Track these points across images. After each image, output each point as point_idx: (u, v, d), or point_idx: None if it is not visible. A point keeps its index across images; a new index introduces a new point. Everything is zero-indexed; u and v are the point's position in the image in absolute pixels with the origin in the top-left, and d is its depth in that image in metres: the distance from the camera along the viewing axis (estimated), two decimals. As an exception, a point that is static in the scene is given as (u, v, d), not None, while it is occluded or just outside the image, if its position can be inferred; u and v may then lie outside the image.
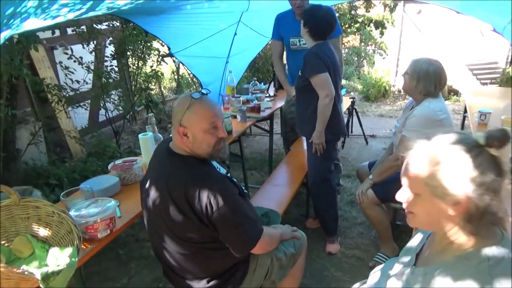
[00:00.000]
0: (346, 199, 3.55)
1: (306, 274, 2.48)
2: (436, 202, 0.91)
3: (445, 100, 6.91)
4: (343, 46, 10.75)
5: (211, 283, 1.58)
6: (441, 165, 0.90)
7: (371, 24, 10.68)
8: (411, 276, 1.01)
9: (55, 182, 3.37)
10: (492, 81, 6.96)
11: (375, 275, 1.26)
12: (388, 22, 10.29)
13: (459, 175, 0.88)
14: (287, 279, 1.80)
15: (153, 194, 1.51)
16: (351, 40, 11.11)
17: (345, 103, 4.68)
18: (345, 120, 4.91)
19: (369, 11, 11.43)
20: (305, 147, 2.81)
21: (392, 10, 9.85)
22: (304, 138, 3.12)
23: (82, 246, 1.55)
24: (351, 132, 5.25)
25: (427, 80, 2.17)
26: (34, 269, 1.28)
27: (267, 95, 4.00)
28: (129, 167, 2.12)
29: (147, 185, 1.56)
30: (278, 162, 3.56)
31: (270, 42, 4.58)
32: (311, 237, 2.93)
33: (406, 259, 1.10)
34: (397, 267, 1.12)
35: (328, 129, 2.50)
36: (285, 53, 3.34)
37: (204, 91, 1.52)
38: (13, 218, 1.56)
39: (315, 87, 2.41)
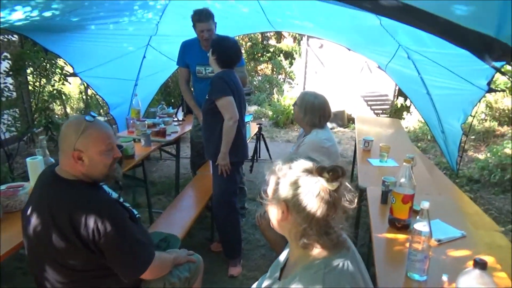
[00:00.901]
0: (250, 222, 3.66)
1: (207, 297, 2.51)
2: (274, 207, 1.11)
3: (344, 127, 7.59)
4: (256, 73, 11.27)
5: None
6: (280, 179, 1.09)
7: (281, 55, 11.39)
8: None
9: None
10: (384, 111, 7.83)
11: None
12: (296, 53, 11.08)
13: (287, 187, 1.07)
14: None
15: (34, 220, 1.44)
16: (264, 68, 11.70)
17: (253, 128, 4.90)
18: (253, 145, 5.13)
19: (280, 42, 12.20)
20: (212, 171, 2.89)
21: (299, 42, 10.66)
22: (210, 162, 3.20)
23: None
24: (259, 156, 5.46)
25: (313, 113, 2.43)
26: None
27: (175, 119, 4.03)
28: (14, 193, 1.99)
29: (28, 212, 1.49)
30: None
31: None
32: (216, 261, 2.99)
33: (273, 273, 1.23)
34: (266, 283, 1.23)
35: (232, 152, 2.61)
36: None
37: (94, 114, 1.52)
38: None
39: (221, 109, 2.53)
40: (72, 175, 1.49)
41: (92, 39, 3.68)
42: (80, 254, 1.41)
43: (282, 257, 1.25)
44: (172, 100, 6.74)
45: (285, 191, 1.07)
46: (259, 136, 5.22)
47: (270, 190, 1.12)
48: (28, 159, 2.06)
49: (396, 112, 7.68)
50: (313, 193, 1.04)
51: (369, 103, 7.86)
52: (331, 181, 1.03)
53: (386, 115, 7.65)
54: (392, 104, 7.83)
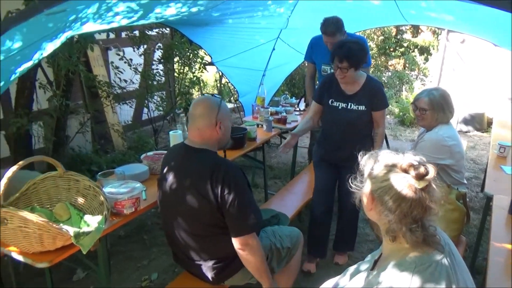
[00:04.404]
0: (361, 216, 3.64)
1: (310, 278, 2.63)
2: (364, 196, 1.15)
3: (482, 132, 6.77)
4: (386, 69, 10.77)
5: (217, 265, 1.79)
6: (370, 170, 1.14)
7: (416, 50, 10.63)
8: (366, 279, 1.18)
9: (96, 169, 3.73)
10: (536, 117, 6.75)
11: (347, 273, 1.41)
12: (433, 48, 10.21)
13: (374, 179, 1.11)
14: (283, 272, 1.98)
15: (171, 183, 1.75)
16: (395, 63, 11.09)
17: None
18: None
19: (416, 36, 11.38)
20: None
21: (437, 36, 9.78)
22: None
23: (110, 218, 1.82)
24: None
25: (438, 107, 2.29)
26: (69, 228, 1.56)
27: (297, 109, 4.20)
28: (158, 159, 2.40)
29: (164, 177, 1.80)
30: (301, 173, 3.73)
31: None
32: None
33: (368, 263, 1.27)
34: (360, 270, 1.29)
35: None
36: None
37: (215, 95, 1.84)
38: (57, 188, 1.86)
39: (380, 118, 2.55)
40: (202, 144, 1.76)
41: (229, 32, 4.07)
42: (208, 210, 1.67)
43: (380, 248, 1.29)
44: (296, 91, 6.95)
45: (372, 182, 1.11)
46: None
47: (360, 179, 1.17)
48: (170, 132, 2.46)
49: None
50: (398, 189, 1.05)
51: (518, 106, 6.86)
52: (417, 179, 1.03)
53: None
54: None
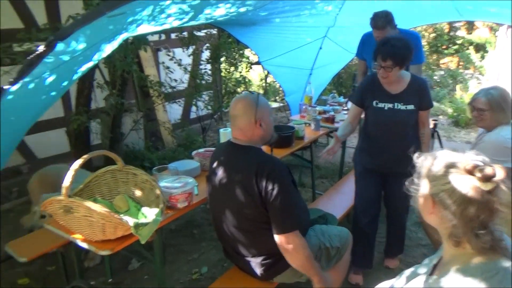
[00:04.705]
0: (414, 219, 3.52)
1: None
2: (422, 199, 1.09)
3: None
4: (438, 67, 10.32)
5: (266, 261, 1.80)
6: (429, 172, 1.07)
7: (471, 47, 10.08)
8: (425, 283, 1.12)
9: (148, 165, 3.90)
10: None
11: (402, 276, 1.36)
12: (490, 45, 9.63)
13: (434, 182, 1.04)
14: (331, 272, 1.96)
15: (220, 179, 1.79)
16: (448, 62, 10.59)
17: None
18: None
19: (470, 33, 10.80)
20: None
21: (495, 33, 9.22)
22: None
23: (165, 211, 1.89)
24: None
25: (497, 106, 2.18)
26: (129, 219, 1.64)
27: (345, 108, 4.14)
28: (209, 156, 2.45)
29: (214, 173, 1.84)
30: (349, 174, 3.67)
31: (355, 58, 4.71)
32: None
33: (426, 267, 1.22)
34: (418, 274, 1.23)
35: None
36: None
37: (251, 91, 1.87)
38: (116, 181, 1.97)
39: (426, 118, 2.45)
40: (246, 141, 1.79)
41: (276, 31, 4.09)
42: (253, 206, 1.69)
43: (439, 252, 1.23)
44: (343, 91, 6.84)
45: (432, 185, 1.04)
46: (433, 133, 4.87)
47: (418, 182, 1.10)
48: (221, 130, 2.52)
49: None
50: (462, 191, 0.98)
51: None
52: (484, 181, 0.96)
53: None
54: None
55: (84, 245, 1.71)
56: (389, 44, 2.24)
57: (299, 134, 3.03)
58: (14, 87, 2.10)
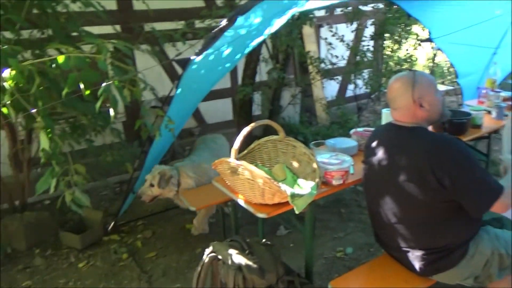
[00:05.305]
0: None
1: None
2: None
3: None
4: None
5: (427, 256, 1.63)
6: None
7: None
8: None
9: (301, 139, 4.00)
10: None
11: None
12: None
13: None
14: (503, 283, 1.68)
15: (381, 160, 1.67)
16: None
17: None
18: None
19: None
20: None
21: None
22: None
23: (320, 186, 1.90)
24: None
25: None
26: (287, 188, 1.71)
27: (539, 95, 3.43)
28: (367, 136, 2.35)
29: (374, 153, 1.73)
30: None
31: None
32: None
33: None
34: None
35: None
36: None
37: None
38: (276, 150, 2.06)
39: None
40: (411, 123, 1.64)
41: (455, 2, 3.58)
42: (430, 196, 1.53)
43: None
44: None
45: None
46: None
47: None
48: (383, 110, 2.38)
49: None
50: None
51: None
52: None
53: None
54: None
55: (244, 205, 1.86)
56: None
57: (476, 121, 2.64)
58: (198, 58, 2.37)
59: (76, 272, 2.67)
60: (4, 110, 1.79)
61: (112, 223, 3.06)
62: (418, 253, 1.65)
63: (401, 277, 1.74)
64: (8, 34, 2.36)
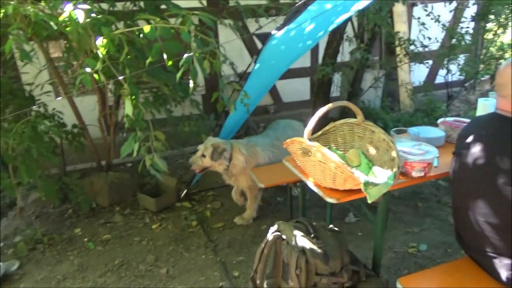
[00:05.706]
0: None
1: None
2: None
3: None
4: None
5: None
6: None
7: None
8: None
9: (381, 125, 3.78)
10: None
11: None
12: None
13: None
14: None
15: (478, 157, 1.49)
16: None
17: None
18: None
19: None
20: None
21: None
22: None
23: (397, 176, 1.77)
24: None
25: None
26: (361, 174, 1.61)
27: None
28: (458, 127, 2.13)
29: (470, 148, 1.54)
30: None
31: None
32: None
33: None
34: None
35: None
36: None
37: None
38: (352, 134, 1.96)
39: None
40: None
41: None
42: None
43: None
44: None
45: None
46: None
47: None
48: (480, 99, 2.12)
49: None
50: None
51: None
52: None
53: None
54: None
55: (314, 188, 1.80)
56: None
57: None
58: (279, 33, 2.31)
59: (150, 232, 2.86)
60: (96, 76, 1.93)
61: (185, 191, 3.21)
62: (508, 261, 1.46)
63: (482, 284, 1.57)
64: (104, 6, 2.52)
